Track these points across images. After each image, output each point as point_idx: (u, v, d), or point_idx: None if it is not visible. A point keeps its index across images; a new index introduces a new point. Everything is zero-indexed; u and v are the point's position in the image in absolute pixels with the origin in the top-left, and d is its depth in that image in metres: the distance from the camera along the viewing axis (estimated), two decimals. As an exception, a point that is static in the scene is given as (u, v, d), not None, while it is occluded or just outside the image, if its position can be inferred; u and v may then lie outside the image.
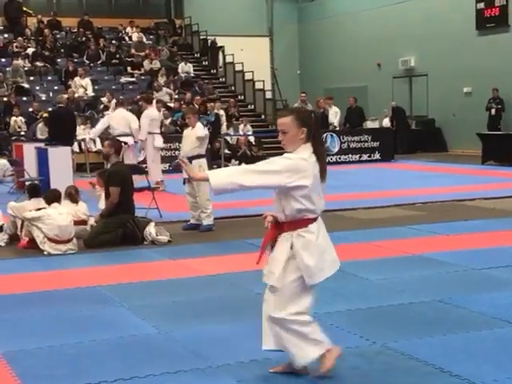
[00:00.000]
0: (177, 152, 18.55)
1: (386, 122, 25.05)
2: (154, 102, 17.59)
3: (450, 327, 5.86)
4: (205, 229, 10.91)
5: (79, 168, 18.96)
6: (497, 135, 21.13)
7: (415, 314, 6.10)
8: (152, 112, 16.24)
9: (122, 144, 12.23)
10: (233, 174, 4.73)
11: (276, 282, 4.86)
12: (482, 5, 23.93)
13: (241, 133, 22.49)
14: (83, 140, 20.10)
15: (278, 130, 4.83)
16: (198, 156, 11.01)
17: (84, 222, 10.34)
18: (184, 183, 11.09)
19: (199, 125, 11.29)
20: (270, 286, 4.92)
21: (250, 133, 22.83)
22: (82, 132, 20.73)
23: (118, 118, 16.26)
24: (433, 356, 5.16)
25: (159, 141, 16.18)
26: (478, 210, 12.14)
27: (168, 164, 19.40)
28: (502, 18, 23.29)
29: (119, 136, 15.29)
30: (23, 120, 21.60)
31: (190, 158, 10.91)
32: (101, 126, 16.89)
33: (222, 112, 22.13)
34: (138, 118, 16.23)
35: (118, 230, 10.00)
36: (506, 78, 22.64)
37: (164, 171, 18.35)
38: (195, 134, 11.03)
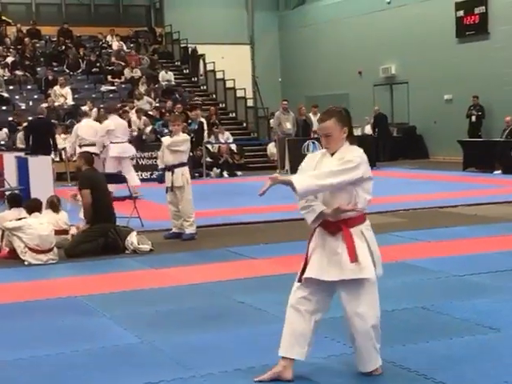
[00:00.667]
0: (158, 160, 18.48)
1: (368, 130, 25.13)
2: (135, 110, 17.72)
3: (433, 334, 5.86)
4: (187, 237, 10.86)
5: (59, 177, 18.86)
6: (477, 142, 21.27)
7: (398, 321, 6.09)
8: (109, 122, 16.24)
9: (93, 155, 12.20)
10: (317, 177, 4.67)
11: (372, 274, 4.80)
12: (461, 12, 24.08)
13: (222, 141, 22.47)
14: (63, 149, 20.00)
15: (319, 135, 4.88)
16: (181, 164, 10.95)
17: (65, 232, 10.27)
18: (166, 192, 11.05)
19: (182, 133, 11.25)
20: (364, 279, 4.77)
21: (231, 140, 22.82)
22: (62, 141, 20.64)
23: (85, 128, 16.40)
24: (416, 363, 5.15)
25: (115, 150, 15.93)
26: (460, 217, 12.19)
27: (150, 173, 19.37)
28: (482, 25, 23.44)
29: (88, 146, 15.59)
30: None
31: (173, 167, 10.90)
32: (73, 138, 16.95)
33: (203, 120, 22.11)
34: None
35: (99, 239, 9.95)
36: (486, 85, 22.78)
37: (145, 179, 18.40)
38: (177, 141, 10.94)
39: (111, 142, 15.93)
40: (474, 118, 23.04)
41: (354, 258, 4.74)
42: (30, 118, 19.78)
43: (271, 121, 23.51)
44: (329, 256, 4.81)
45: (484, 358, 5.24)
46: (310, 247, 4.91)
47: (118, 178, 12.94)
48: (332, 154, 4.85)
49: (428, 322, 6.24)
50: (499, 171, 19.12)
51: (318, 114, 22.66)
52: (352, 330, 4.85)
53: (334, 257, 4.79)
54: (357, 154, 4.76)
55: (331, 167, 4.71)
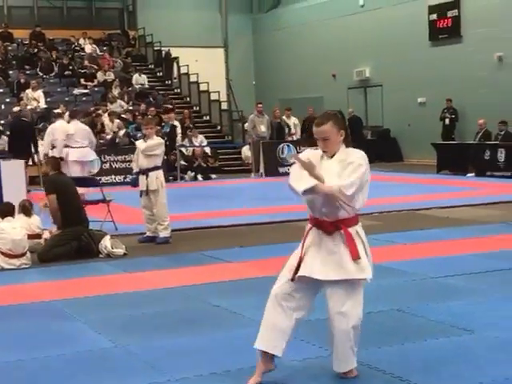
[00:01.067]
0: (131, 163, 18.44)
1: (342, 133, 25.14)
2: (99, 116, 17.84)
3: (408, 336, 5.87)
4: (161, 241, 10.81)
5: (32, 181, 18.71)
6: (451, 145, 21.40)
7: (373, 324, 6.08)
8: (69, 127, 16.42)
9: (59, 159, 12.20)
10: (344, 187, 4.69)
11: (370, 274, 4.83)
12: (434, 16, 24.23)
13: (196, 144, 22.42)
14: (36, 152, 19.82)
15: (316, 139, 4.84)
16: (155, 168, 10.89)
17: (38, 236, 10.19)
18: (140, 196, 10.99)
19: (156, 137, 11.18)
20: (357, 280, 4.80)
21: (205, 144, 22.77)
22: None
23: (59, 131, 16.47)
24: (391, 365, 5.15)
25: (74, 155, 16.05)
26: (434, 219, 12.23)
27: (123, 176, 19.29)
28: (455, 29, 23.60)
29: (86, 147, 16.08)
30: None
31: (147, 170, 10.84)
32: (47, 138, 17.04)
33: (176, 123, 22.05)
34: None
35: (72, 243, 9.88)
36: (459, 88, 22.93)
37: (119, 183, 18.37)
38: (150, 145, 10.88)
39: (71, 147, 16.09)
40: (447, 121, 23.17)
41: (357, 256, 4.76)
42: (11, 120, 19.62)
43: (246, 124, 23.50)
44: (325, 256, 4.79)
45: (458, 360, 5.25)
46: (304, 246, 4.87)
47: (91, 182, 12.86)
48: (331, 157, 4.84)
49: (403, 325, 6.25)
50: (472, 174, 19.24)
51: (292, 117, 22.80)
52: (332, 329, 4.83)
53: (332, 256, 4.78)
54: (359, 155, 4.80)
55: (335, 170, 4.72)
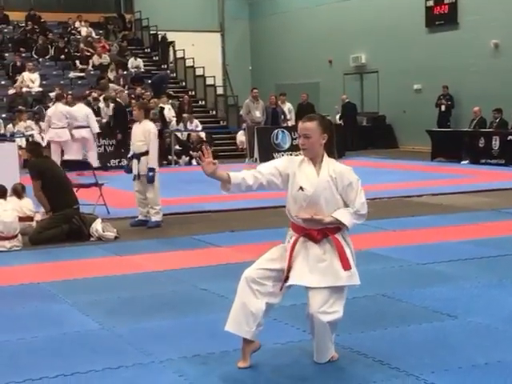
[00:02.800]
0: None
1: (338, 119, 25.19)
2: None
3: (392, 321, 5.93)
4: (153, 225, 10.85)
5: (26, 164, 18.70)
6: (446, 132, 21.41)
7: (358, 308, 6.14)
8: (53, 109, 18.10)
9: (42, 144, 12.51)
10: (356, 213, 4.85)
11: (358, 279, 4.93)
12: (431, 2, 24.20)
13: (190, 128, 22.40)
14: (31, 135, 19.87)
15: (298, 135, 4.94)
16: (147, 152, 10.87)
17: (29, 219, 10.21)
18: (134, 179, 11.01)
19: (147, 121, 11.16)
20: (351, 285, 4.91)
21: (199, 128, 22.76)
22: (29, 127, 20.52)
23: (57, 113, 17.56)
24: (373, 349, 5.21)
25: (48, 135, 17.96)
26: (426, 206, 12.28)
27: (118, 160, 19.32)
28: (451, 15, 23.57)
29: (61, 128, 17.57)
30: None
31: (139, 155, 10.85)
32: (46, 122, 18.11)
33: (168, 106, 21.98)
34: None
35: (63, 226, 9.92)
36: (455, 75, 22.93)
37: (113, 167, 18.50)
38: (143, 129, 10.92)
39: (50, 127, 17.77)
40: (443, 108, 23.18)
41: (348, 266, 4.80)
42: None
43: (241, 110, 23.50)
44: (314, 263, 4.81)
45: (440, 345, 5.31)
46: (292, 255, 4.84)
47: (84, 165, 12.88)
48: (314, 163, 4.86)
49: (387, 310, 6.30)
50: (467, 161, 19.28)
51: (286, 103, 22.74)
52: (312, 323, 4.87)
53: (321, 264, 4.80)
54: (355, 176, 4.86)
55: (325, 180, 4.79)
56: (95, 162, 17.09)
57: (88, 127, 18.22)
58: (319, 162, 4.87)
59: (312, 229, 4.81)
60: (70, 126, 17.88)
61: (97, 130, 18.66)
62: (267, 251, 5.00)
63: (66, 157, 17.09)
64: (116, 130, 19.93)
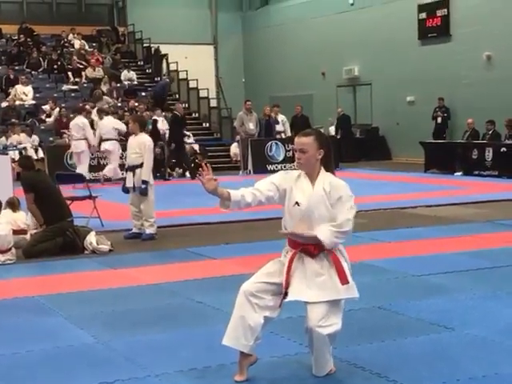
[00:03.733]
0: (120, 160, 18.53)
1: (332, 131, 25.23)
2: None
3: (389, 333, 5.91)
4: (147, 237, 10.82)
5: (19, 177, 18.67)
6: (439, 144, 21.45)
7: (355, 321, 6.11)
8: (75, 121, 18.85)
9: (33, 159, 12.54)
10: (338, 227, 4.79)
11: (357, 292, 4.92)
12: (423, 15, 24.28)
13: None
14: (24, 148, 19.85)
15: (295, 150, 4.92)
16: (142, 165, 10.85)
17: (23, 232, 10.17)
18: (128, 192, 10.98)
19: (143, 134, 11.15)
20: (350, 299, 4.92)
21: (191, 141, 22.76)
22: (23, 140, 20.51)
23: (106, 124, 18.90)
24: (371, 362, 5.19)
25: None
26: (420, 218, 12.28)
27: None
28: (444, 27, 23.65)
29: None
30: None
31: (134, 167, 10.83)
32: (97, 133, 19.03)
33: (161, 119, 21.99)
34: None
35: (57, 239, 9.88)
36: (448, 87, 22.99)
37: (107, 180, 18.47)
38: (138, 142, 10.91)
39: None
40: (439, 120, 23.24)
41: (346, 280, 4.80)
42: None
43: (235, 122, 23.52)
44: (312, 278, 4.79)
45: (437, 357, 5.30)
46: (290, 270, 4.82)
47: (78, 178, 12.85)
48: (310, 178, 4.85)
49: (384, 322, 6.28)
50: (460, 173, 19.30)
51: (280, 115, 22.76)
52: (310, 336, 4.84)
53: (319, 278, 4.79)
54: (349, 192, 4.83)
55: (320, 194, 4.78)
56: (114, 174, 18.37)
57: (114, 139, 18.84)
58: (315, 177, 4.86)
59: (309, 244, 4.80)
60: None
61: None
62: (264, 265, 4.99)
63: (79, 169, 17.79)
64: (171, 140, 20.60)
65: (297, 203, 4.81)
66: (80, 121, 18.64)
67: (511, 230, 10.87)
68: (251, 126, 21.58)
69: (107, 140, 18.75)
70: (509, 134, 19.43)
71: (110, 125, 18.94)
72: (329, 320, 4.76)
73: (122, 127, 19.01)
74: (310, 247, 4.80)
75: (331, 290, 4.77)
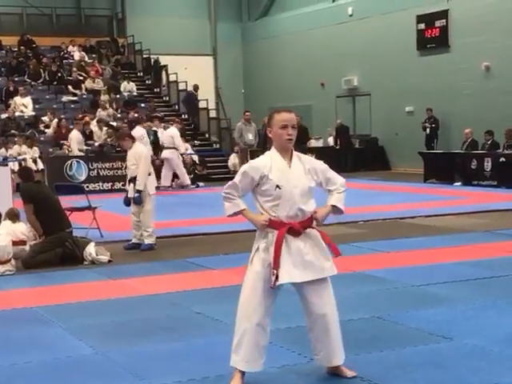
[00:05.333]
0: (120, 171, 18.58)
1: (331, 141, 25.26)
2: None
3: (388, 343, 5.90)
4: (146, 248, 10.82)
5: (19, 188, 18.66)
6: (438, 154, 21.47)
7: (354, 331, 6.11)
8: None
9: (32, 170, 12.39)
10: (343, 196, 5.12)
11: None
12: (422, 26, 24.35)
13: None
14: (24, 160, 19.86)
15: (284, 126, 4.83)
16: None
17: (23, 243, 10.16)
18: (129, 205, 10.99)
19: (137, 144, 11.19)
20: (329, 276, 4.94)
21: (189, 151, 22.78)
22: (22, 151, 20.51)
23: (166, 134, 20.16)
24: (369, 372, 5.18)
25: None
26: (419, 228, 12.27)
27: (110, 184, 19.31)
28: (443, 38, 23.71)
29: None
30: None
31: (134, 178, 10.85)
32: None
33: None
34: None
35: (56, 250, 9.88)
36: (447, 98, 23.04)
37: (106, 190, 18.46)
38: (134, 153, 10.95)
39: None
40: (428, 131, 23.30)
41: (338, 252, 4.90)
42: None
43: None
44: (298, 258, 4.80)
45: (436, 367, 5.28)
46: (279, 254, 4.80)
47: (78, 189, 12.87)
48: (284, 157, 4.85)
49: (383, 332, 6.27)
50: (459, 183, 19.31)
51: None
52: (321, 330, 4.89)
53: (305, 257, 4.81)
54: (316, 160, 5.02)
55: (302, 173, 4.84)
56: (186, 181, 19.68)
57: (173, 148, 19.82)
58: (291, 155, 4.87)
59: (292, 222, 4.80)
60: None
61: (182, 149, 20.70)
62: (247, 290, 4.94)
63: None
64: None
65: (277, 186, 4.78)
66: (172, 132, 20.21)
67: (511, 239, 10.86)
68: (250, 136, 21.62)
69: (167, 148, 19.90)
70: (507, 144, 19.44)
71: (168, 134, 20.15)
72: (331, 298, 4.91)
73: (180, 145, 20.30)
74: (294, 225, 4.80)
75: (318, 268, 4.83)
